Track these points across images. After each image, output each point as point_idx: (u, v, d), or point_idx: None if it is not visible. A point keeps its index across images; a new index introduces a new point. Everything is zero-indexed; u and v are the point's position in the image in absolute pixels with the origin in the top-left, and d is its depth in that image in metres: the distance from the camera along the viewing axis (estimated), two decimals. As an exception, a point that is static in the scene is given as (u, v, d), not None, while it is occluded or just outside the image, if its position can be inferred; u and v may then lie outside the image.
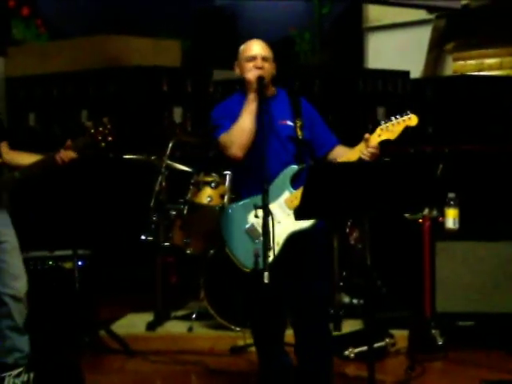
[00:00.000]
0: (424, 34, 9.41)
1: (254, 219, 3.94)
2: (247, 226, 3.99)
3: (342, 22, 10.32)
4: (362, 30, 10.27)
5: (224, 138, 4.00)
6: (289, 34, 10.25)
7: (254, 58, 4.00)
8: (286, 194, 3.96)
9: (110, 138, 4.49)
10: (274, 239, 3.72)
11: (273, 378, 4.15)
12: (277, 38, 9.98)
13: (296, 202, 3.84)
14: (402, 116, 3.95)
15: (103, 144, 4.49)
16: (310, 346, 4.06)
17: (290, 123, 4.05)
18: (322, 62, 10.16)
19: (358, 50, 10.19)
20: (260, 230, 3.78)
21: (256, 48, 4.04)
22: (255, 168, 3.88)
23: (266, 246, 3.64)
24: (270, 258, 3.78)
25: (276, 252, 3.86)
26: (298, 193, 3.87)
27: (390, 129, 3.93)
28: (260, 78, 3.95)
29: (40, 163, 4.56)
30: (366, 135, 3.93)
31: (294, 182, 3.97)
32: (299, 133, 4.03)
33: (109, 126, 4.49)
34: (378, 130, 3.94)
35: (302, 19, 10.32)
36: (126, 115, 7.32)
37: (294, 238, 3.88)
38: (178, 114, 7.52)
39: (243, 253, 3.94)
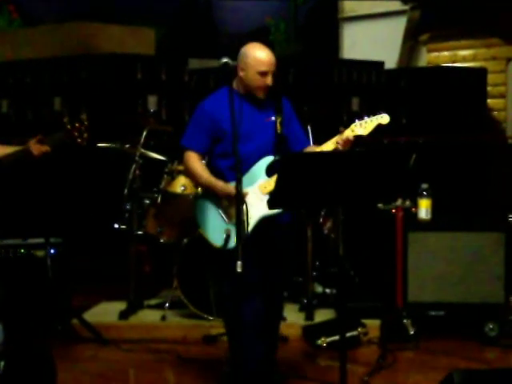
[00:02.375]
0: (399, 25, 9.43)
1: (225, 204, 4.18)
2: (219, 209, 4.21)
3: (318, 12, 10.33)
4: (337, 20, 10.27)
5: (186, 158, 4.28)
6: (264, 23, 10.24)
7: (265, 73, 4.13)
8: (261, 180, 4.16)
9: (85, 135, 4.48)
10: (246, 221, 3.97)
11: (245, 366, 4.18)
12: (252, 28, 9.98)
13: (269, 188, 4.10)
14: (375, 115, 4.19)
15: (79, 140, 4.48)
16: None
17: (273, 119, 4.24)
18: (297, 52, 10.16)
19: (333, 41, 10.20)
20: (231, 212, 4.09)
21: (269, 62, 4.13)
22: (238, 161, 3.99)
23: (240, 235, 3.69)
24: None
25: (247, 232, 4.04)
26: (272, 180, 4.10)
27: (363, 125, 4.17)
28: (225, 64, 3.97)
29: (14, 155, 4.53)
30: (342, 129, 4.06)
31: (270, 171, 4.17)
32: (279, 128, 4.22)
33: (86, 123, 4.47)
34: (352, 126, 4.18)
35: (277, 9, 10.31)
36: (100, 103, 7.28)
37: (263, 226, 4.08)
38: (152, 102, 7.49)
39: (214, 232, 4.19)
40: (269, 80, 4.13)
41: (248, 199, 4.05)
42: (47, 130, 4.55)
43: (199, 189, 4.62)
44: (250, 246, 3.90)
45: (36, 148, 4.46)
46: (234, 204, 3.94)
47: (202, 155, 4.30)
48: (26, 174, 6.69)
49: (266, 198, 4.08)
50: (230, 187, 4.06)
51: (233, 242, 4.08)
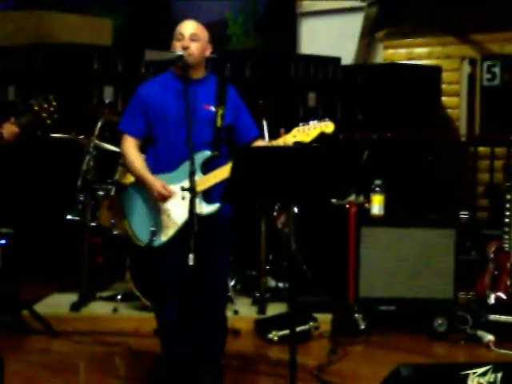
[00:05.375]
0: (356, 22, 9.47)
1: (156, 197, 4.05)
2: (149, 203, 4.09)
3: (276, 6, 10.32)
4: (295, 15, 10.29)
5: (121, 143, 4.16)
6: (223, 16, 10.21)
7: (182, 36, 4.01)
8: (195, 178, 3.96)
9: (55, 116, 4.44)
10: (170, 218, 3.95)
11: (172, 366, 4.18)
12: (210, 21, 9.94)
13: (202, 187, 3.97)
14: (319, 121, 4.07)
15: (49, 121, 4.45)
16: (204, 329, 4.15)
17: (213, 109, 4.08)
18: (255, 46, 10.16)
19: (291, 35, 10.21)
20: (160, 208, 4.01)
21: (186, 26, 4.05)
22: (170, 149, 4.03)
23: (192, 227, 3.67)
24: (167, 236, 4.01)
25: (173, 231, 3.99)
26: (206, 178, 3.99)
27: (306, 132, 4.06)
28: (179, 57, 3.96)
29: None
30: (282, 131, 4.01)
31: (205, 168, 4.03)
32: (219, 121, 4.06)
33: (54, 103, 4.45)
34: (295, 131, 4.07)
35: (236, 3, 10.29)
36: (55, 93, 7.19)
37: (199, 221, 3.80)
38: (108, 93, 7.44)
39: (140, 228, 4.08)
40: (185, 42, 3.97)
41: (174, 199, 3.98)
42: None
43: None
44: (180, 243, 3.82)
45: (8, 129, 4.40)
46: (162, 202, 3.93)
47: (139, 140, 4.12)
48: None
49: (199, 196, 3.93)
50: (158, 185, 3.97)
51: (158, 241, 4.02)
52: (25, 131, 4.49)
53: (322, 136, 4.11)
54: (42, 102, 4.45)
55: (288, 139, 4.04)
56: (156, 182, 4.01)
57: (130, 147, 4.12)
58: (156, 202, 4.06)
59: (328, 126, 4.07)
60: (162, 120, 4.04)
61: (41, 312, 5.54)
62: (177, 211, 4.00)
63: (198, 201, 3.89)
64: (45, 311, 5.59)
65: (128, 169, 4.31)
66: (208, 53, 4.11)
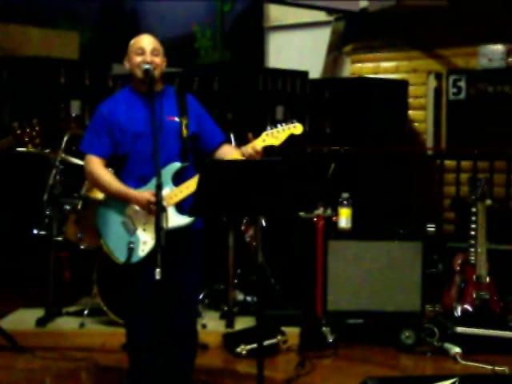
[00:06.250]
0: (323, 36, 9.54)
1: (130, 213, 4.02)
2: (123, 219, 4.04)
3: (244, 20, 10.36)
4: (263, 28, 10.34)
5: (87, 165, 4.06)
6: (190, 30, 10.22)
7: (142, 52, 4.01)
8: (167, 190, 3.96)
9: (37, 141, 4.40)
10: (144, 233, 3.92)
11: (141, 381, 4.14)
12: (178, 34, 9.95)
13: (175, 199, 3.98)
14: (287, 124, 4.04)
15: (30, 146, 4.40)
16: (176, 344, 4.13)
17: (177, 120, 4.08)
18: (223, 60, 10.18)
19: (259, 49, 10.25)
20: (136, 223, 3.99)
21: (145, 41, 4.05)
22: (138, 162, 4.01)
23: (159, 242, 3.63)
24: (145, 252, 3.97)
25: (151, 246, 3.94)
26: (178, 190, 3.98)
27: (275, 135, 4.02)
28: (147, 71, 3.96)
29: None
30: (250, 136, 4.00)
31: (176, 179, 4.02)
32: (184, 131, 4.05)
33: (37, 128, 4.40)
34: (264, 136, 4.04)
35: (203, 16, 10.31)
36: (21, 106, 7.15)
37: (170, 237, 3.74)
38: (75, 106, 7.40)
39: (117, 245, 4.02)
40: (147, 57, 3.96)
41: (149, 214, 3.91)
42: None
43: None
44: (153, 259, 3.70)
45: None
46: (149, 212, 3.88)
47: (105, 160, 4.07)
48: None
49: (172, 209, 3.95)
50: (146, 194, 3.90)
51: (136, 257, 3.97)
52: (4, 154, 4.46)
53: (291, 138, 4.08)
54: (24, 125, 4.41)
55: (257, 144, 4.00)
56: (142, 193, 3.95)
57: (99, 168, 4.04)
58: (131, 218, 4.01)
59: (296, 127, 4.03)
60: (130, 136, 4.01)
61: (6, 328, 5.47)
62: (153, 225, 3.86)
63: (171, 213, 3.90)
64: (10, 327, 5.52)
65: (101, 188, 4.14)
66: (164, 66, 4.12)
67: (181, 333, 4.16)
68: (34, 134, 4.41)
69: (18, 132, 4.39)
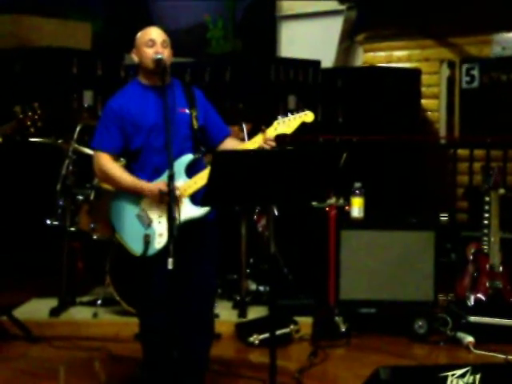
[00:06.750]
0: (335, 25, 9.51)
1: (145, 205, 4.00)
2: (138, 212, 4.02)
3: (256, 9, 10.34)
4: (275, 18, 10.32)
5: (98, 161, 4.04)
6: (202, 20, 10.21)
7: (153, 43, 4.01)
8: (181, 182, 3.97)
9: (39, 124, 4.41)
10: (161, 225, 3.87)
11: (154, 371, 4.14)
12: (190, 24, 9.95)
13: (190, 191, 3.97)
14: (298, 112, 4.06)
15: (32, 129, 4.41)
16: (192, 334, 4.14)
17: (187, 111, 4.08)
18: (235, 50, 10.16)
19: (271, 39, 10.23)
20: (151, 215, 3.96)
21: (155, 33, 4.06)
22: (151, 154, 4.01)
23: (172, 231, 3.64)
24: (161, 244, 3.94)
25: (166, 239, 3.88)
26: (192, 181, 3.98)
27: (287, 123, 4.04)
28: (159, 61, 3.95)
29: None
30: (263, 127, 4.00)
31: (189, 171, 4.02)
32: (195, 122, 4.06)
33: (39, 112, 4.41)
34: (275, 124, 4.05)
35: (215, 6, 10.29)
36: (34, 97, 7.16)
37: (184, 228, 3.79)
38: (88, 97, 7.41)
39: (133, 238, 4.00)
40: (158, 48, 3.97)
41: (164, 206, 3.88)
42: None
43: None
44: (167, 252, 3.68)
45: None
46: (161, 202, 3.86)
47: (116, 156, 4.09)
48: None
49: (187, 201, 3.96)
50: (160, 184, 3.89)
51: (152, 250, 3.95)
52: (8, 139, 4.47)
53: (303, 126, 4.07)
54: (26, 109, 4.42)
55: (270, 132, 4.00)
56: (155, 184, 3.94)
57: (109, 163, 4.02)
58: (146, 211, 4.00)
59: (308, 115, 4.05)
60: (143, 130, 4.01)
61: (20, 317, 5.50)
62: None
63: (186, 204, 3.92)
64: (24, 317, 5.55)
65: (112, 183, 4.13)
66: (172, 59, 4.12)
67: (197, 323, 4.17)
68: (36, 117, 4.42)
69: (21, 116, 4.39)
